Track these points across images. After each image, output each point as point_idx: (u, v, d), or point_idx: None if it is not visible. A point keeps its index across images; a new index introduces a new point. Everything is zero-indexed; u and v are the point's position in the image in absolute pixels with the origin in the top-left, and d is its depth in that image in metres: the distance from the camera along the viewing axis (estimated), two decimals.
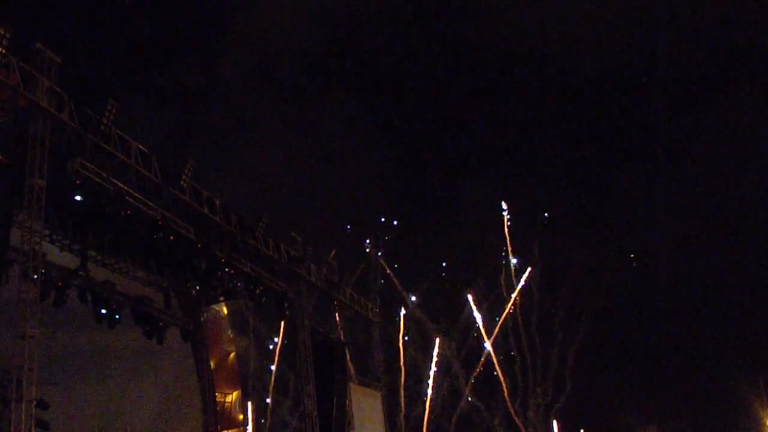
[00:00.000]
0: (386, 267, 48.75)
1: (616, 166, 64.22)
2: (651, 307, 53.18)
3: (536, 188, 61.87)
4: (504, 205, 51.22)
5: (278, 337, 44.51)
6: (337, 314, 30.07)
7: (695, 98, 63.87)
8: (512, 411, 47.75)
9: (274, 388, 44.48)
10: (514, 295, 49.63)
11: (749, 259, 52.06)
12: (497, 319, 49.49)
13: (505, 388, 47.91)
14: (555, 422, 47.25)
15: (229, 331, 28.07)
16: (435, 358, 47.75)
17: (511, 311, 49.53)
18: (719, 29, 60.47)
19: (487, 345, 48.66)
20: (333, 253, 27.97)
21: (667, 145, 61.20)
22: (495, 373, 48.60)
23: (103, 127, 17.58)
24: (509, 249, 50.08)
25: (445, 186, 66.00)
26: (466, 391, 48.68)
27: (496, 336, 49.22)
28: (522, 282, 49.42)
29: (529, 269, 49.46)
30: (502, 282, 50.00)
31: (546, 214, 51.34)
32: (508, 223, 50.60)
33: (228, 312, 28.16)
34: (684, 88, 63.39)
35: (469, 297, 49.04)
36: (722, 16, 59.17)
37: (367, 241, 51.03)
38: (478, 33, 70.79)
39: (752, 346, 47.40)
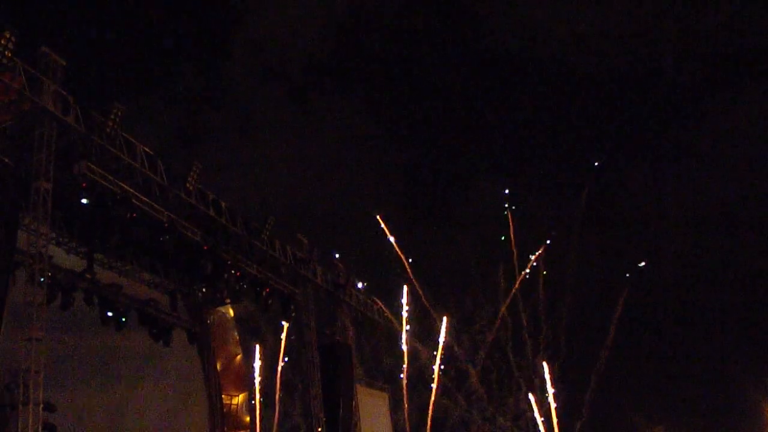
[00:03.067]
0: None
1: (623, 166, 64.09)
2: (658, 307, 53.07)
3: (542, 189, 61.73)
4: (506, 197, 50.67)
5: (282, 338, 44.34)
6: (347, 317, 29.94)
7: (701, 98, 63.69)
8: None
9: (281, 390, 44.36)
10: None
11: (756, 258, 51.92)
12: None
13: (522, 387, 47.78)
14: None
15: (236, 333, 28.04)
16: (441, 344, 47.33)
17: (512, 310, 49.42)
18: (724, 30, 60.29)
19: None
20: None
21: (673, 145, 61.11)
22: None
23: (108, 130, 17.59)
24: (512, 243, 49.71)
25: (451, 186, 65.92)
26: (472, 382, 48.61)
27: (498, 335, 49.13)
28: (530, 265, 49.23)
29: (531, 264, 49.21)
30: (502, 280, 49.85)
31: (553, 233, 50.83)
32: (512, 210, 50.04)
33: (234, 314, 28.11)
34: (690, 88, 63.24)
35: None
36: (727, 17, 59.00)
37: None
38: (484, 33, 70.73)
39: (759, 346, 47.28)
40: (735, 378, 45.12)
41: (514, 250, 49.60)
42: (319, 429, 24.94)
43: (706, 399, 47.31)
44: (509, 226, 49.98)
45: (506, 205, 50.40)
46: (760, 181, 55.19)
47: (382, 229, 48.87)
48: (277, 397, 43.80)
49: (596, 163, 51.57)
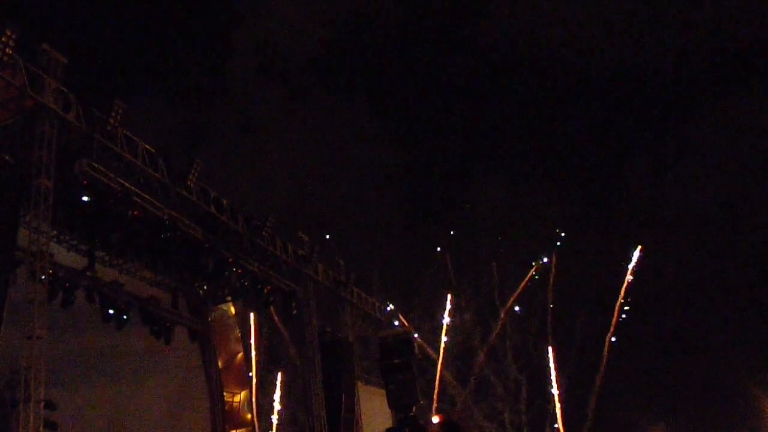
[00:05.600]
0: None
1: (624, 163, 64.03)
2: (658, 304, 53.01)
3: (545, 186, 61.67)
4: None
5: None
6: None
7: (701, 95, 63.59)
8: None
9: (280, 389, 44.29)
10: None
11: (757, 255, 51.89)
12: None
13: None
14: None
15: (237, 331, 28.06)
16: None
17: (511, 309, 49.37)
18: (725, 26, 60.23)
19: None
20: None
21: (673, 143, 61.07)
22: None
23: (109, 128, 17.58)
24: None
25: (454, 185, 65.90)
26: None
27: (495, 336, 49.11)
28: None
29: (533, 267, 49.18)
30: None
31: (561, 233, 50.58)
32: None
33: (236, 312, 28.11)
34: (691, 84, 63.18)
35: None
36: (728, 13, 58.89)
37: None
38: (485, 32, 70.68)
39: (760, 343, 47.22)
40: (736, 375, 45.11)
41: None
42: (322, 427, 24.94)
43: (706, 396, 47.26)
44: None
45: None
46: (761, 179, 55.14)
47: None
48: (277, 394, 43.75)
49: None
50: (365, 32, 67.31)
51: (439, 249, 50.71)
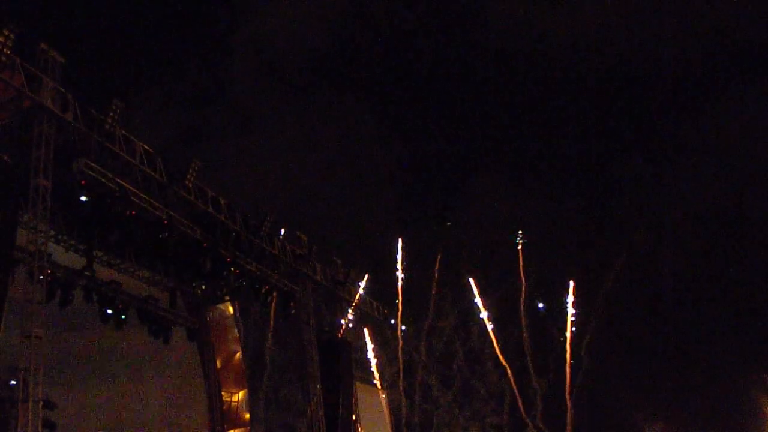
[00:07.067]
0: None
1: (621, 162, 64.00)
2: (656, 304, 52.98)
3: (543, 184, 61.65)
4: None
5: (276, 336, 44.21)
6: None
7: (700, 94, 63.60)
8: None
9: (268, 386, 44.20)
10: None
11: (756, 255, 51.87)
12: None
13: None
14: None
15: (235, 331, 28.06)
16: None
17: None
18: (725, 24, 60.26)
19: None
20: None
21: (673, 141, 61.04)
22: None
23: (107, 127, 17.59)
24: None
25: (452, 184, 65.88)
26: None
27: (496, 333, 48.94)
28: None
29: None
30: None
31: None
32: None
33: (234, 311, 28.11)
34: (688, 84, 63.14)
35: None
36: (729, 11, 58.94)
37: None
38: (484, 31, 70.63)
39: (759, 343, 47.22)
40: (735, 375, 45.10)
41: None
42: (320, 426, 24.96)
43: (706, 396, 47.23)
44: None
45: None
46: (761, 177, 55.13)
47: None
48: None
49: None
50: (364, 31, 67.29)
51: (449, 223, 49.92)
